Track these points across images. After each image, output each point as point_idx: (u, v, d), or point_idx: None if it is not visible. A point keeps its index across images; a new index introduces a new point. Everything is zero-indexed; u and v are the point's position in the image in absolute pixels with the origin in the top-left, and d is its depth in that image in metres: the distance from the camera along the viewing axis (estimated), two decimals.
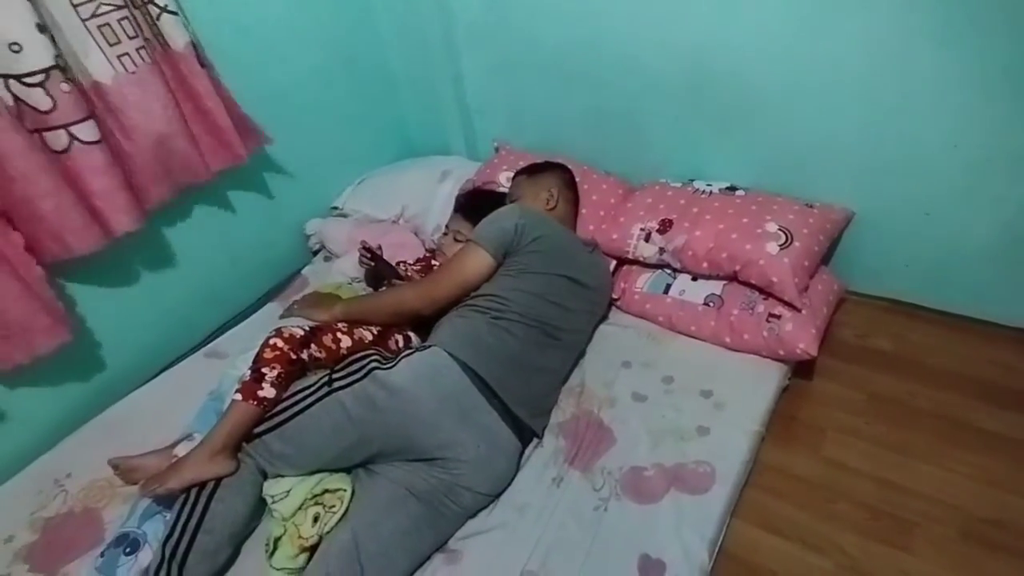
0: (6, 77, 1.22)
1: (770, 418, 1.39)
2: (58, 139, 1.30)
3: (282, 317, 1.53)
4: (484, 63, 2.01)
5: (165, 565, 1.06)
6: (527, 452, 1.31)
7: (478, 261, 1.39)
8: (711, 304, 1.53)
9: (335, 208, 2.12)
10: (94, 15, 1.33)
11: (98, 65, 1.36)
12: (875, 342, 1.63)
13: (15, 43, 1.20)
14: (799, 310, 1.43)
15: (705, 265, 1.54)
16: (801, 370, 1.52)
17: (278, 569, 1.11)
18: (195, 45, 1.49)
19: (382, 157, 2.23)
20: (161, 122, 1.47)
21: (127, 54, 1.39)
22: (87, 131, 1.33)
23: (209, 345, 1.73)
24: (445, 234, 1.76)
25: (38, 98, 1.25)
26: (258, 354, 1.23)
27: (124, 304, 1.63)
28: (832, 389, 1.51)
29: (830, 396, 1.50)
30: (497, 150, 2.12)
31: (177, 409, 1.44)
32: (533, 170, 1.68)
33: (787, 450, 1.38)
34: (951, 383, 1.48)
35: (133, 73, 1.41)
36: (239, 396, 1.18)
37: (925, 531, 1.21)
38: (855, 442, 1.39)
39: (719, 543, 1.16)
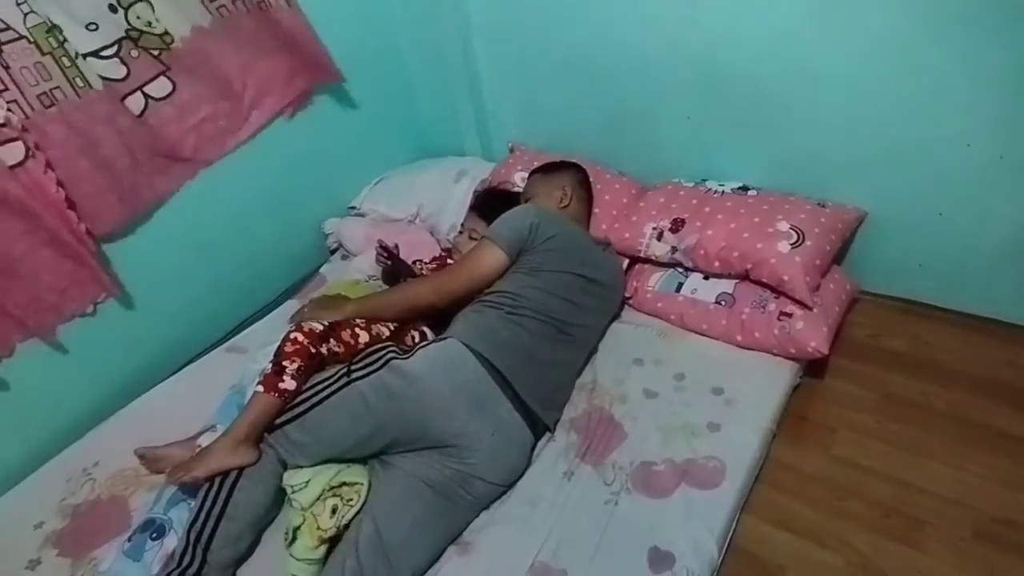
0: (88, 55, 1.41)
1: (781, 416, 1.39)
2: (136, 102, 1.52)
3: (291, 320, 1.57)
4: (499, 65, 2.04)
5: (190, 550, 1.10)
6: (539, 446, 1.33)
7: (492, 258, 1.41)
8: (723, 302, 1.54)
9: (352, 208, 2.16)
10: None
11: (195, 12, 1.56)
12: (889, 342, 1.62)
13: (92, 23, 1.38)
14: (811, 309, 1.44)
15: (717, 264, 1.55)
16: (813, 369, 1.53)
17: (299, 560, 1.14)
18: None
19: (399, 158, 2.27)
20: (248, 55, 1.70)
21: (224, 5, 1.61)
22: (158, 88, 1.55)
23: (230, 340, 1.78)
24: (460, 233, 1.79)
25: (115, 69, 1.46)
26: (279, 348, 1.26)
27: (149, 300, 1.68)
28: (844, 388, 1.51)
29: (842, 395, 1.50)
30: (512, 150, 2.14)
31: (200, 402, 1.49)
32: (547, 169, 1.71)
33: (798, 448, 1.38)
34: (966, 384, 1.47)
35: (226, 17, 1.62)
36: (261, 388, 1.21)
37: (937, 530, 1.21)
38: (867, 441, 1.38)
39: (729, 538, 1.18)
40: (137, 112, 1.52)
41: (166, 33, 1.52)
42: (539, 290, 1.37)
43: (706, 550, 1.10)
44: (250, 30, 1.66)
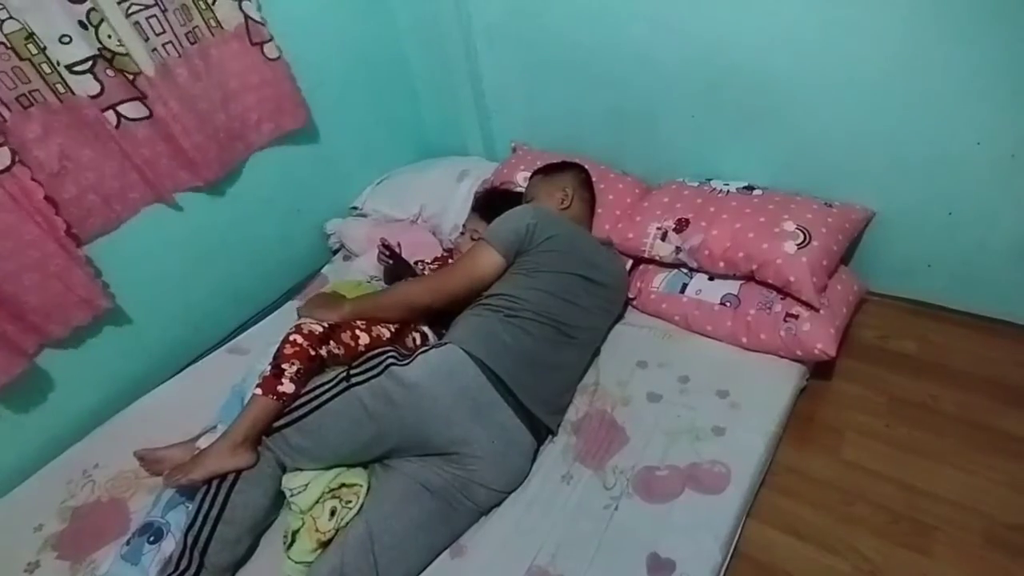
0: (63, 66, 1.37)
1: (787, 419, 1.38)
2: (109, 119, 1.46)
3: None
4: (502, 64, 2.03)
5: (187, 553, 1.09)
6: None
7: (487, 259, 1.40)
8: (728, 304, 1.52)
9: (354, 208, 2.15)
10: (128, 15, 1.44)
11: (142, 55, 1.47)
12: (897, 344, 1.60)
13: (65, 35, 1.34)
14: (817, 310, 1.42)
15: (722, 264, 1.54)
16: (820, 371, 1.50)
17: (297, 562, 1.13)
18: (248, 26, 1.64)
19: (401, 158, 2.26)
20: (204, 102, 1.63)
21: (155, 49, 1.51)
22: (133, 110, 1.49)
23: (232, 341, 1.77)
24: (462, 233, 1.78)
25: (88, 84, 1.41)
26: (278, 350, 1.25)
27: (151, 301, 1.67)
28: (852, 391, 1.49)
29: (850, 398, 1.48)
30: (514, 150, 2.13)
31: (201, 403, 1.48)
32: (549, 170, 1.69)
33: (804, 451, 1.36)
34: (976, 386, 1.44)
35: (163, 65, 1.52)
36: (259, 391, 1.20)
37: (947, 535, 1.19)
38: (875, 444, 1.36)
39: (734, 543, 1.16)
40: (111, 126, 1.48)
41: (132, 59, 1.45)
42: (538, 291, 1.36)
43: (710, 556, 1.09)
44: (193, 76, 1.59)
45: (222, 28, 1.62)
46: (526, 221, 1.40)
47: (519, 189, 1.82)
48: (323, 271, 2.02)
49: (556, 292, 1.37)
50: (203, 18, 1.59)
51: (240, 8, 1.63)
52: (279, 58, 1.73)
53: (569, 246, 1.43)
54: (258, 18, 1.66)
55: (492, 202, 1.73)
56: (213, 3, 1.58)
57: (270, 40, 1.70)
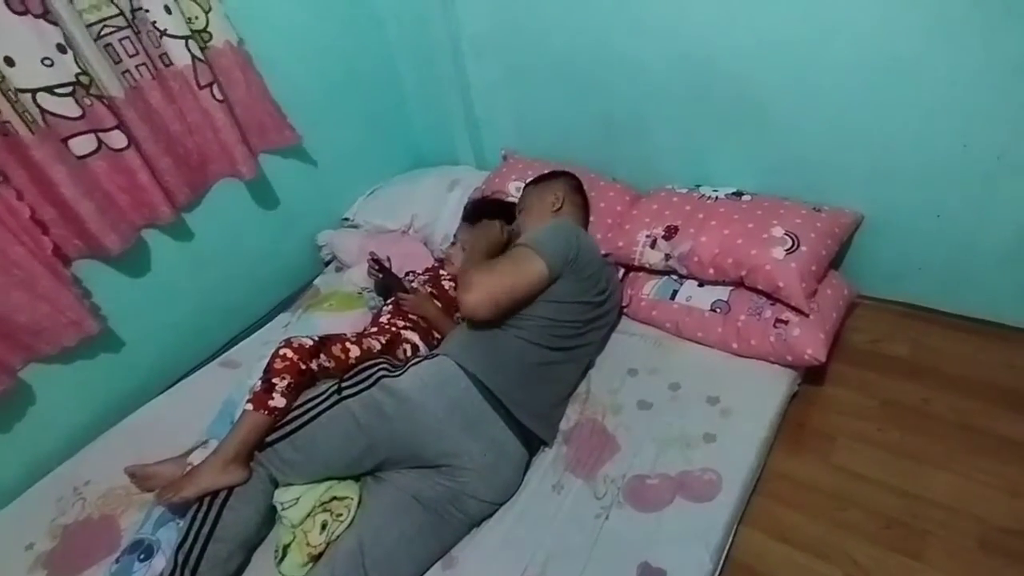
0: (41, 90, 1.34)
1: (779, 425, 1.38)
2: (88, 143, 1.44)
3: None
4: (491, 73, 2.04)
5: (178, 571, 1.09)
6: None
7: (541, 272, 1.31)
8: (718, 310, 1.52)
9: (346, 219, 2.16)
10: (99, 36, 1.43)
11: (111, 80, 1.45)
12: (889, 347, 1.60)
13: (47, 58, 1.32)
14: (807, 315, 1.42)
15: (711, 271, 1.54)
16: (812, 376, 1.51)
17: None
18: (195, 67, 1.57)
19: (392, 168, 2.27)
20: (166, 133, 1.60)
21: (128, 71, 1.51)
22: (114, 139, 1.46)
23: (224, 355, 1.77)
24: (453, 243, 1.78)
25: (69, 107, 1.38)
26: (268, 364, 1.25)
27: (143, 315, 1.68)
28: (844, 395, 1.49)
29: (841, 402, 1.48)
30: (505, 158, 2.13)
31: (193, 418, 1.48)
32: (540, 179, 1.70)
33: (796, 457, 1.36)
34: (968, 389, 1.44)
35: (134, 88, 1.52)
36: (250, 406, 1.20)
37: (940, 540, 1.18)
38: (867, 449, 1.36)
39: (725, 551, 1.16)
40: (86, 152, 1.43)
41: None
42: (549, 319, 1.33)
43: (701, 565, 1.08)
44: (167, 99, 1.57)
45: (173, 64, 1.57)
46: (574, 246, 1.34)
47: (510, 198, 1.82)
48: (315, 282, 2.02)
49: (566, 318, 1.34)
50: (153, 53, 1.53)
51: (187, 48, 1.55)
52: (224, 101, 1.65)
53: (593, 275, 1.38)
54: (203, 57, 1.59)
55: (483, 211, 1.73)
56: (160, 39, 1.52)
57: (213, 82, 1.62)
